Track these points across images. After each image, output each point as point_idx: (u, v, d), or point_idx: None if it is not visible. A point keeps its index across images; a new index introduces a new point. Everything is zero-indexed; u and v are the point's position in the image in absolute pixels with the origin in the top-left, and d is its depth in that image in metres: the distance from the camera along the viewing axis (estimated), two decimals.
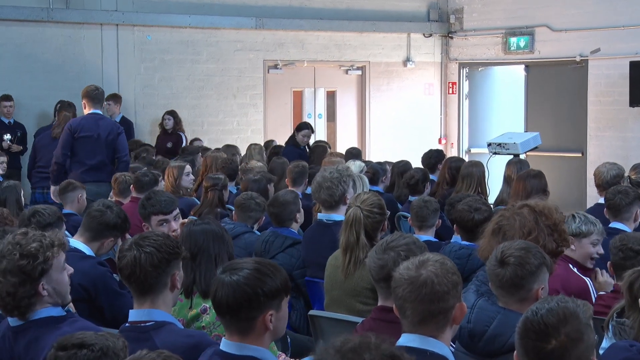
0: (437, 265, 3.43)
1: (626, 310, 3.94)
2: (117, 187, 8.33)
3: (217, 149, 11.61)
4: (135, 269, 3.81)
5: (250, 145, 11.92)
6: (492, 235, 4.54)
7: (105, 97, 11.44)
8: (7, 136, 12.18)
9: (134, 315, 3.85)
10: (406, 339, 3.43)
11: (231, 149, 11.70)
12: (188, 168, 8.98)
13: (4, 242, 3.91)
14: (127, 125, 12.72)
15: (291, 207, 6.77)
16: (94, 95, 9.71)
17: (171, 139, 13.27)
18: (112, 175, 8.82)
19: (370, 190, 7.50)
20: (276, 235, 6.60)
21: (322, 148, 11.37)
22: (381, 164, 9.79)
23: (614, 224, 6.53)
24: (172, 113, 13.51)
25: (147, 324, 3.79)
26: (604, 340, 4.03)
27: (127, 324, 3.84)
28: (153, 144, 12.99)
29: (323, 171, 6.75)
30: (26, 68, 13.00)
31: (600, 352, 3.99)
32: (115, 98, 13.05)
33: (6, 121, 12.46)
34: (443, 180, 9.33)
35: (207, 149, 11.76)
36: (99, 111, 9.81)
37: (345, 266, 5.35)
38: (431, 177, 9.52)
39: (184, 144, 13.05)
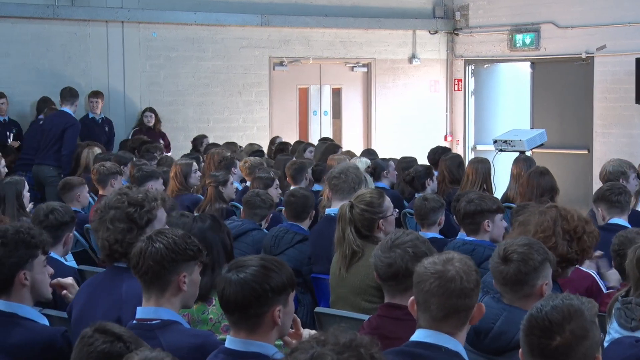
0: (462, 263, 3.46)
1: (633, 288, 3.96)
2: (95, 177, 8.39)
3: (213, 144, 11.80)
4: (139, 260, 3.81)
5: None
6: (517, 228, 4.63)
7: (91, 93, 12.97)
8: (8, 133, 12.17)
9: (141, 312, 3.84)
10: (422, 334, 3.44)
11: (231, 146, 11.75)
12: (195, 165, 9.02)
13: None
14: (108, 124, 12.92)
15: (310, 201, 6.83)
16: (62, 94, 11.72)
17: (159, 137, 13.27)
18: (55, 161, 11.16)
19: (375, 186, 7.53)
20: (286, 231, 6.64)
21: (331, 146, 11.39)
22: (384, 160, 9.79)
23: (612, 220, 6.53)
24: (153, 110, 13.53)
25: (154, 322, 3.77)
26: (609, 328, 4.03)
27: (134, 321, 3.82)
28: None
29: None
30: (32, 65, 13.01)
31: (605, 344, 3.99)
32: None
33: (1, 119, 12.45)
34: (443, 179, 9.31)
35: (214, 145, 11.88)
36: (65, 108, 11.55)
37: (338, 261, 5.41)
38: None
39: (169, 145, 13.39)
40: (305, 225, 6.81)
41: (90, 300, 4.32)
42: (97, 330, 3.10)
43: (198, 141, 13.03)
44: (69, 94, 11.61)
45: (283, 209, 7.38)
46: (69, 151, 11.20)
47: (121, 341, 3.05)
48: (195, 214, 6.13)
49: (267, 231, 6.95)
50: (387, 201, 5.60)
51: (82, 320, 4.13)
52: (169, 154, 11.83)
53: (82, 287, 4.53)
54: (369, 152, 11.20)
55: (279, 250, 6.49)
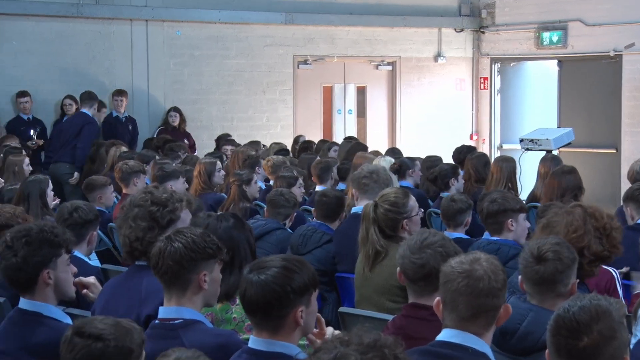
0: (489, 262, 3.46)
1: None
2: (118, 176, 8.43)
3: (229, 140, 11.87)
4: (159, 260, 3.80)
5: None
6: (542, 230, 4.61)
7: (115, 92, 13.17)
8: (32, 131, 12.24)
9: (163, 312, 3.84)
10: (448, 334, 3.43)
11: (254, 144, 11.76)
12: (219, 164, 9.03)
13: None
14: (132, 122, 13.03)
15: (342, 203, 6.80)
16: (81, 98, 12.17)
17: (183, 136, 13.29)
18: (70, 157, 11.55)
19: (400, 186, 7.48)
20: (314, 230, 6.62)
21: (356, 145, 11.36)
22: (411, 159, 9.74)
23: None
24: (178, 110, 13.55)
25: (176, 321, 3.77)
26: (635, 330, 3.99)
27: (156, 321, 3.82)
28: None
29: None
30: (56, 64, 13.08)
31: (630, 346, 3.94)
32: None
33: (25, 117, 12.53)
34: (469, 178, 9.26)
35: (230, 142, 11.96)
36: (84, 110, 11.97)
37: (362, 260, 5.40)
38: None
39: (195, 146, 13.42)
40: (334, 226, 6.78)
41: (111, 299, 4.34)
42: (75, 333, 3.08)
43: (222, 140, 13.03)
44: (87, 97, 12.00)
45: (312, 209, 7.36)
46: (83, 145, 11.58)
47: (100, 340, 3.03)
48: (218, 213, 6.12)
49: (291, 230, 6.93)
50: (412, 201, 5.55)
51: None
52: (195, 154, 11.85)
53: (105, 286, 4.55)
54: (393, 151, 11.17)
55: (307, 249, 6.47)
